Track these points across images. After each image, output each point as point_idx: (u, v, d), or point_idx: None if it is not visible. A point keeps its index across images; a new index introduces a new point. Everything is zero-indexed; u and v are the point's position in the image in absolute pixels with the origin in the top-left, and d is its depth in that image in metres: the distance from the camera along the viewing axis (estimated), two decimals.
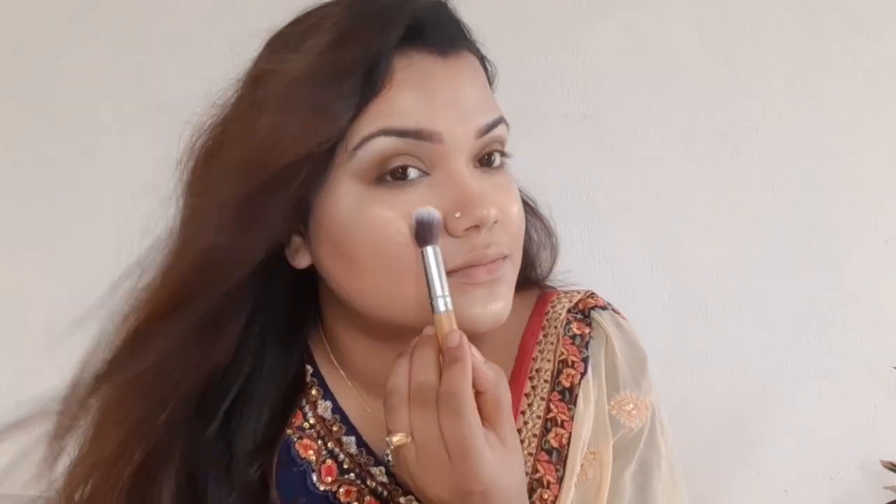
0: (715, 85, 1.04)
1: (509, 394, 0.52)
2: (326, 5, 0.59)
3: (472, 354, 0.51)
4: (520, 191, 0.64)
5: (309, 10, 0.60)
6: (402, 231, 0.53)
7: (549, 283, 0.74)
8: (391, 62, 0.54)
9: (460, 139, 0.55)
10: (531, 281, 0.72)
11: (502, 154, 0.60)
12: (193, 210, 0.59)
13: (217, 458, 0.60)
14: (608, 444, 0.63)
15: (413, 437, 0.50)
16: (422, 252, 0.52)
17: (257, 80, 0.58)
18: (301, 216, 0.57)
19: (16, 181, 1.14)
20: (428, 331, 0.53)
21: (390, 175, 0.54)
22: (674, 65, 1.04)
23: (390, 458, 0.53)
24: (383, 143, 0.53)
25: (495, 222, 0.55)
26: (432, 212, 0.53)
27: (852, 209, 1.06)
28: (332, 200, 0.55)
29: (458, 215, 0.54)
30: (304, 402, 0.65)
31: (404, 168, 0.54)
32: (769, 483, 1.12)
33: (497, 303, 0.56)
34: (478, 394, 0.51)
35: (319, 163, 0.54)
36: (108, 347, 0.59)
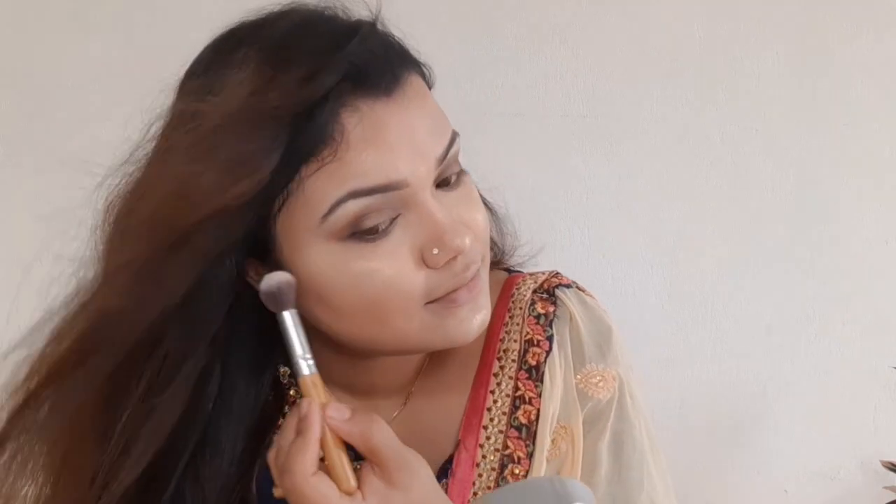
0: (715, 85, 1.04)
1: (386, 432, 0.53)
2: (241, 45, 0.55)
3: (333, 416, 0.52)
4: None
5: (222, 45, 0.57)
6: (387, 277, 0.54)
7: (516, 268, 0.75)
8: (339, 119, 0.52)
9: (423, 175, 0.55)
10: (495, 264, 0.73)
11: (459, 172, 0.59)
12: (97, 274, 0.57)
13: None
14: (578, 418, 0.65)
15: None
16: (278, 318, 0.53)
17: (173, 126, 0.56)
18: (254, 252, 0.56)
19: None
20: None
21: (363, 231, 0.54)
22: (674, 65, 1.04)
23: None
24: (353, 206, 0.53)
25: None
26: (280, 278, 0.53)
27: (852, 209, 1.06)
28: (306, 260, 0.55)
29: (435, 251, 0.55)
30: (284, 407, 0.65)
31: (377, 225, 0.54)
32: (769, 483, 1.12)
33: (480, 312, 0.59)
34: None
35: (237, 218, 0.52)
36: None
